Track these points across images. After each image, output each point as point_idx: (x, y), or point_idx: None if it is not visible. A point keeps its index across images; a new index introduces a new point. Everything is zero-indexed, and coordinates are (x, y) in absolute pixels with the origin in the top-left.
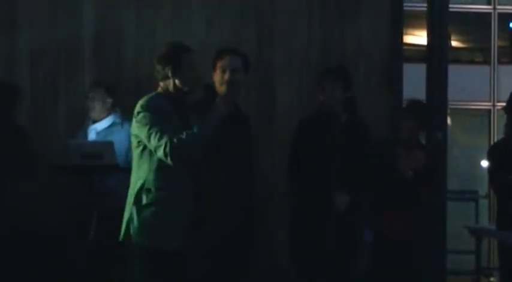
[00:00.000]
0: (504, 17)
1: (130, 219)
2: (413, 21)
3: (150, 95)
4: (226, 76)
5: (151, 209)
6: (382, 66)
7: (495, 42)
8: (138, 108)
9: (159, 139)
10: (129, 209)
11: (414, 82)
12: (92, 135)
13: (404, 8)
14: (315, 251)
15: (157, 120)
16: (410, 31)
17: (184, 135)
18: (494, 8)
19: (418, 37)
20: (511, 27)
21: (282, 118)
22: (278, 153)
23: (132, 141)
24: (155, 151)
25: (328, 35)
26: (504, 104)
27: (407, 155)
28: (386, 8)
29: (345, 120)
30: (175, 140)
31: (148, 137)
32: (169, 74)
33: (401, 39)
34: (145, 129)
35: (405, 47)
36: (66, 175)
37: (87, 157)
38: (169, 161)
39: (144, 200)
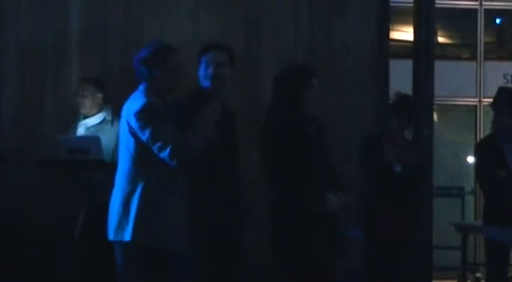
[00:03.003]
0: (490, 13)
1: (139, 219)
2: (400, 17)
3: (144, 94)
4: (211, 70)
5: (157, 208)
6: (369, 62)
7: (481, 38)
8: (140, 107)
9: (163, 143)
10: (124, 207)
11: (401, 78)
12: (81, 130)
13: (391, 4)
14: (300, 250)
15: (160, 122)
16: (396, 27)
17: (187, 137)
18: (481, 4)
19: (404, 33)
20: (498, 23)
21: None
22: None
23: (127, 141)
24: (159, 153)
25: (315, 31)
26: (490, 100)
27: (395, 150)
28: (373, 5)
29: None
30: (179, 142)
31: (153, 140)
32: (157, 74)
33: (388, 35)
34: (149, 130)
35: (392, 43)
36: (54, 170)
37: (75, 152)
38: (174, 163)
39: (150, 200)
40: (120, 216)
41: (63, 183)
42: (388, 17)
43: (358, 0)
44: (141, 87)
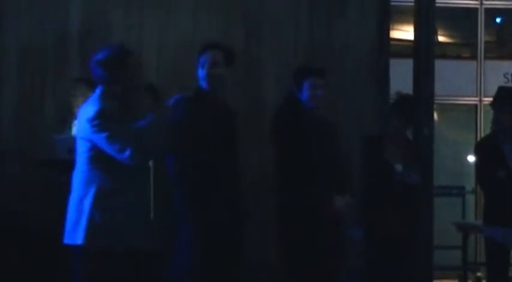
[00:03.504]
0: (491, 12)
1: (91, 222)
2: (400, 16)
3: (98, 98)
4: (205, 71)
5: (112, 211)
6: (369, 62)
7: (482, 37)
8: (93, 113)
9: (122, 145)
10: (77, 211)
11: (401, 77)
12: (75, 130)
13: (391, 3)
14: (305, 251)
15: (116, 125)
16: (397, 26)
17: (144, 138)
18: (481, 3)
19: (405, 32)
20: (498, 22)
21: (269, 114)
22: (265, 150)
23: (82, 145)
24: (117, 156)
25: (316, 31)
26: (491, 99)
27: (396, 150)
28: (373, 4)
29: (321, 118)
30: (136, 143)
31: (108, 143)
32: (117, 77)
33: (388, 34)
34: (104, 135)
35: (392, 43)
36: (54, 170)
37: (75, 152)
38: (134, 164)
39: (105, 204)
40: (74, 219)
41: (64, 183)
42: (388, 17)
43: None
44: (98, 91)
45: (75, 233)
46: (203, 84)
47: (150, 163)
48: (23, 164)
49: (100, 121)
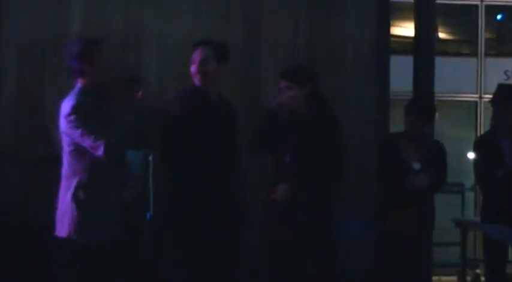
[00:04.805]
0: (491, 9)
1: (71, 215)
2: (401, 13)
3: (75, 93)
4: (193, 68)
5: (89, 205)
6: (369, 58)
7: (482, 34)
8: (67, 109)
9: (95, 140)
10: (62, 204)
11: (401, 74)
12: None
13: (391, 0)
14: (290, 247)
15: (89, 120)
16: (397, 23)
17: (116, 132)
18: (481, 0)
19: (405, 29)
20: (498, 19)
21: None
22: None
23: (64, 139)
24: (92, 151)
25: (315, 28)
26: (491, 96)
27: (413, 148)
28: (373, 0)
29: (309, 116)
30: (110, 138)
31: (83, 139)
32: (87, 70)
33: (388, 31)
34: (79, 131)
35: (392, 39)
36: (53, 166)
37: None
38: (106, 159)
39: (82, 197)
40: (59, 212)
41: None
42: (388, 13)
43: None
44: (76, 86)
45: (60, 226)
46: (195, 81)
47: (150, 158)
48: (23, 163)
49: (75, 117)
